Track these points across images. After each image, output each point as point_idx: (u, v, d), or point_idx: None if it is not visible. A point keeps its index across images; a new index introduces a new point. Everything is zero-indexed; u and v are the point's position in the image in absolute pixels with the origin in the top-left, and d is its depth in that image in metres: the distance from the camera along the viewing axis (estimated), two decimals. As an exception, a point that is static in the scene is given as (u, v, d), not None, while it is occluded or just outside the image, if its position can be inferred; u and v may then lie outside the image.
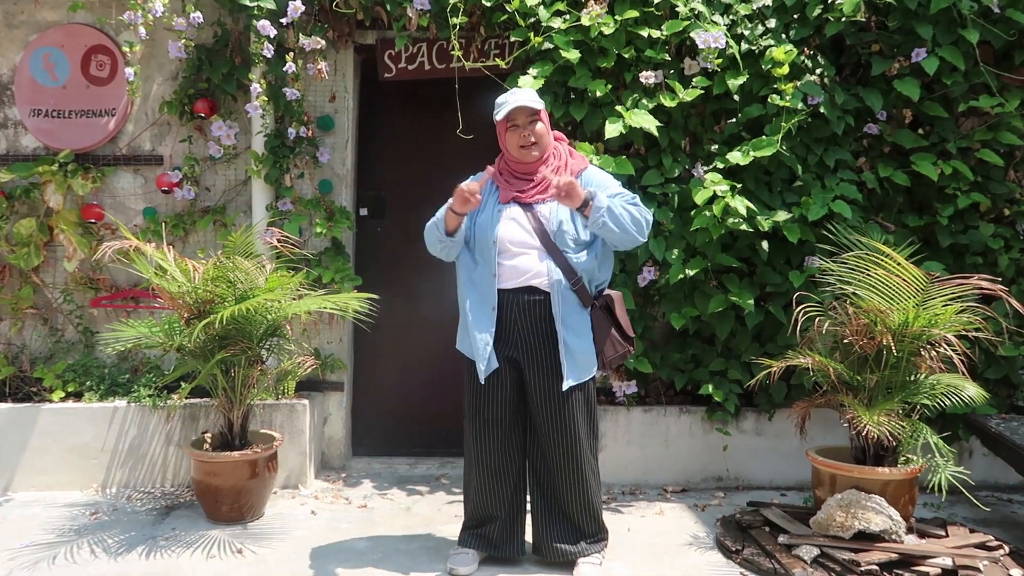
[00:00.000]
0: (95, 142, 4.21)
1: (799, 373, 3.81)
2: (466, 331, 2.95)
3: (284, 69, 3.84)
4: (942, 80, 3.77)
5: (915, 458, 3.10)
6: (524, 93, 2.90)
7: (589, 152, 3.73)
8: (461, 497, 3.14)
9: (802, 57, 3.81)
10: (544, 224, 2.86)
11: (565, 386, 2.83)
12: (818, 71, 3.86)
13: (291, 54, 3.86)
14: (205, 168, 4.25)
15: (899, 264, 2.94)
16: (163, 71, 4.24)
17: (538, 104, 2.87)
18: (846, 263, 3.13)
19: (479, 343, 2.85)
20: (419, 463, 4.42)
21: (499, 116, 2.87)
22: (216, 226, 4.21)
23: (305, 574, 2.95)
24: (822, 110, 3.80)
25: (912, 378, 3.06)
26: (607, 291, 3.00)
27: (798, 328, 3.15)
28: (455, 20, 3.80)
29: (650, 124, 3.69)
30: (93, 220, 4.16)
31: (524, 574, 2.96)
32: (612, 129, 3.69)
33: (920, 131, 3.96)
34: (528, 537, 3.06)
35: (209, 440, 3.57)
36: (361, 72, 4.43)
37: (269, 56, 3.83)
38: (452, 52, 3.90)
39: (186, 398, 3.95)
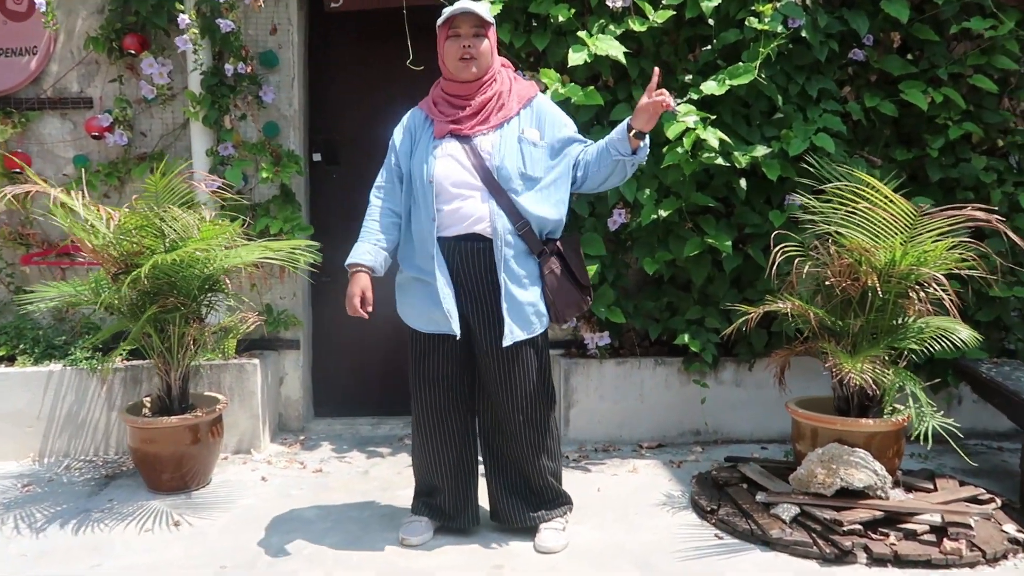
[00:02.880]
0: (15, 84, 3.86)
1: (780, 320, 3.57)
2: (405, 290, 2.69)
3: (216, -2, 3.50)
4: (933, 0, 3.48)
5: (902, 408, 2.88)
6: (476, 2, 2.57)
7: (554, 80, 3.43)
8: (421, 459, 2.91)
9: (782, -25, 3.49)
10: (486, 160, 2.55)
11: (507, 341, 2.55)
12: (799, -9, 3.55)
13: (224, -19, 3.51)
14: (140, 111, 3.91)
15: (885, 197, 2.67)
16: (87, 4, 3.87)
17: (488, 16, 2.54)
18: (829, 198, 2.87)
19: (432, 299, 2.56)
20: (382, 423, 4.19)
21: (440, 21, 2.55)
22: (154, 173, 3.89)
23: (244, 548, 2.72)
24: (803, 34, 3.50)
25: (899, 322, 2.83)
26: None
27: (774, 271, 2.90)
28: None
29: (617, 51, 3.38)
30: (18, 170, 3.83)
31: (482, 544, 2.74)
32: (576, 58, 3.38)
33: (909, 56, 3.68)
34: (485, 503, 2.84)
35: (148, 404, 3.32)
36: (309, 3, 4.08)
37: (199, -16, 3.49)
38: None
39: (127, 360, 3.70)
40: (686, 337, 3.69)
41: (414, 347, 2.70)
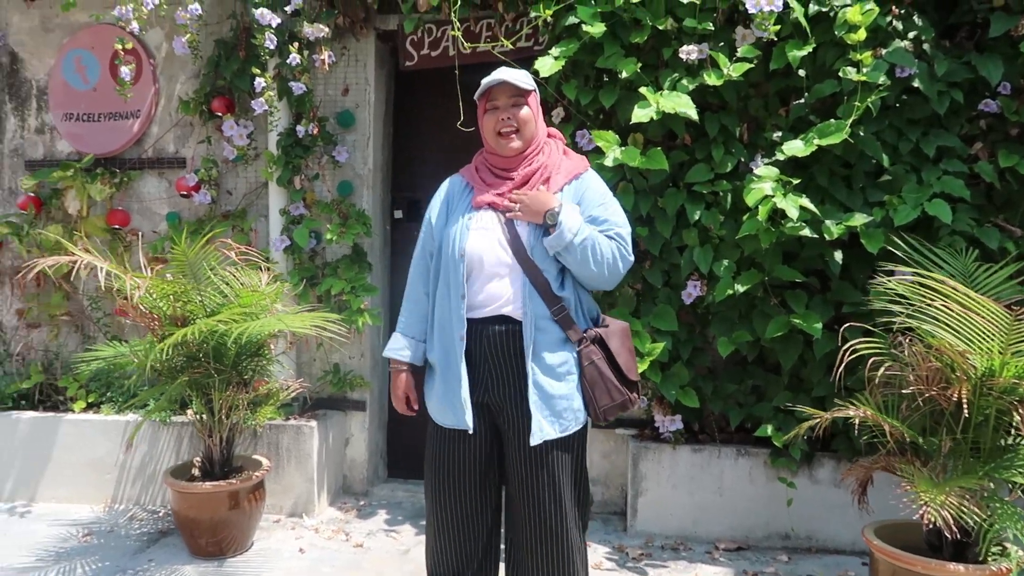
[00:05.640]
0: (120, 145, 4.09)
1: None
2: (430, 377, 2.46)
3: (287, 61, 3.52)
4: (1089, 39, 2.88)
5: (1014, 550, 2.30)
6: (513, 71, 2.34)
7: (612, 143, 3.14)
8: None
9: (889, 18, 3.02)
10: (521, 237, 2.30)
11: (535, 440, 2.27)
12: (911, 34, 3.04)
13: (295, 44, 3.53)
14: (227, 171, 4.03)
15: (967, 296, 2.15)
16: (186, 69, 4.05)
17: (526, 84, 2.31)
18: (916, 285, 2.37)
19: (450, 387, 2.33)
20: (448, 492, 3.99)
21: (478, 94, 2.35)
22: (235, 232, 3.97)
23: (244, 634, 2.62)
24: (917, 84, 3.00)
25: (1005, 443, 2.27)
26: (606, 319, 2.43)
27: (840, 369, 2.42)
28: (467, -3, 3.33)
29: (686, 108, 3.03)
30: (118, 226, 4.05)
31: (487, 658, 2.47)
32: (641, 115, 3.06)
33: (1059, 107, 3.06)
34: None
35: (198, 465, 3.32)
36: (391, 62, 4.05)
37: (272, 47, 3.53)
38: (454, 33, 3.42)
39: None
40: (769, 429, 3.23)
41: (437, 441, 2.44)
